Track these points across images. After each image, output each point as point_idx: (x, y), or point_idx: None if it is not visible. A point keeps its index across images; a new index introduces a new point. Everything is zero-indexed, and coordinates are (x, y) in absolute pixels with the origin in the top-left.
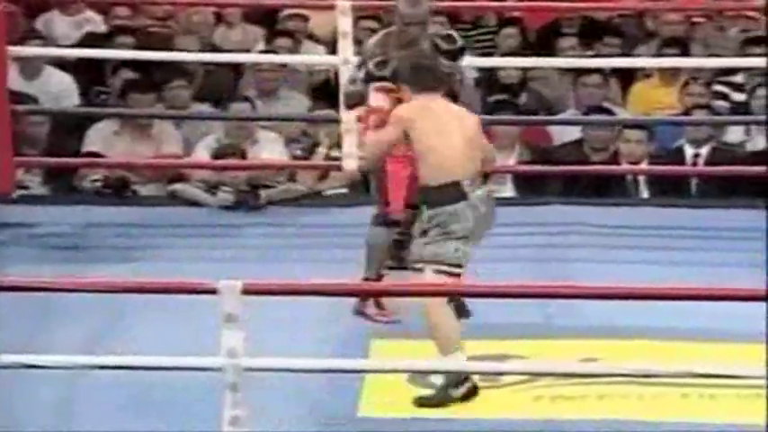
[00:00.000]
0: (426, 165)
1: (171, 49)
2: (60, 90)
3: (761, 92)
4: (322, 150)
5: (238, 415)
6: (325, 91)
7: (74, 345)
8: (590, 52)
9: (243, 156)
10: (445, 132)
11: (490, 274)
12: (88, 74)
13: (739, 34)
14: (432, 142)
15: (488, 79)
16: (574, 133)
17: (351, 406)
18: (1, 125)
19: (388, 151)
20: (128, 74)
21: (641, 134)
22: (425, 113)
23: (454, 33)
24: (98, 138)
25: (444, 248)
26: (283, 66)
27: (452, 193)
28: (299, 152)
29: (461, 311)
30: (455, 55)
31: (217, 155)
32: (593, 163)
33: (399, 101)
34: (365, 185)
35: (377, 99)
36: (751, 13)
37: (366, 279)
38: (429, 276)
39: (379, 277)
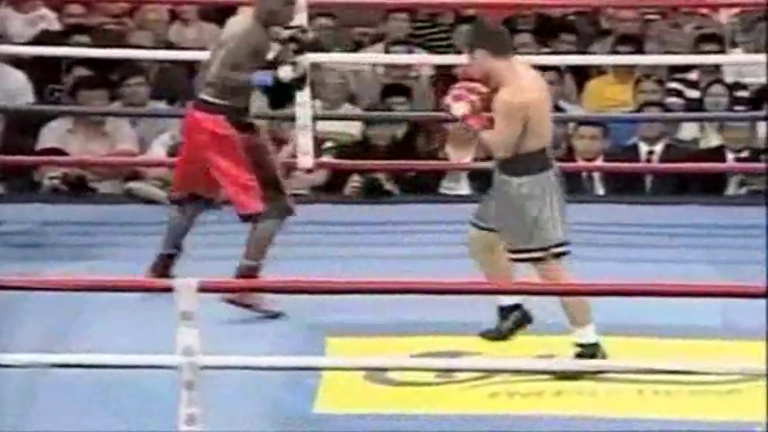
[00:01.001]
0: (532, 134)
1: (126, 47)
2: (15, 88)
3: (714, 89)
4: (286, 149)
5: (194, 413)
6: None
7: (31, 343)
8: (545, 49)
9: None
10: (546, 99)
11: (443, 271)
12: (43, 72)
13: (693, 31)
14: (541, 112)
15: (445, 76)
16: None
17: (307, 403)
18: None
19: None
20: (82, 71)
21: (596, 131)
22: (531, 87)
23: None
24: (52, 136)
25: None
26: None
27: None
28: None
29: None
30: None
31: (173, 152)
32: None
33: (478, 91)
34: (329, 187)
35: (459, 102)
36: (704, 11)
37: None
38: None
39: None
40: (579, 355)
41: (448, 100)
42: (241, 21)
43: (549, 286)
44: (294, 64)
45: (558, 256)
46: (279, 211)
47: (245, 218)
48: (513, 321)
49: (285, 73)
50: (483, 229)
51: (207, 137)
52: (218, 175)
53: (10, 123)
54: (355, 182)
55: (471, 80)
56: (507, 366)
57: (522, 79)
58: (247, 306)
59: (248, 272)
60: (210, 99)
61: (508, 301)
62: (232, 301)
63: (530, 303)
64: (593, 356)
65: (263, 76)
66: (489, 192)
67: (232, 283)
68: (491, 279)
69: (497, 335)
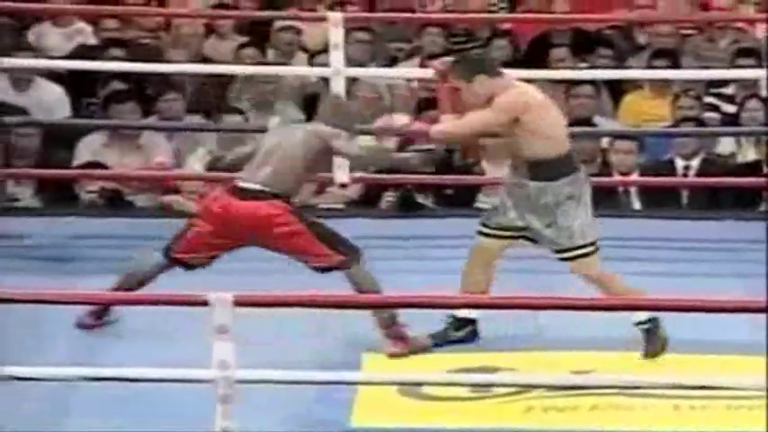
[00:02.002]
0: (545, 138)
1: (162, 61)
2: (52, 102)
3: (751, 104)
4: None
5: (230, 427)
6: (314, 103)
7: (64, 357)
8: (582, 64)
9: (238, 169)
10: (552, 106)
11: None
12: (79, 86)
13: (730, 46)
14: (551, 117)
15: None
16: None
17: (343, 417)
18: None
19: (478, 136)
20: (118, 85)
21: (632, 145)
22: (531, 94)
23: None
24: (88, 150)
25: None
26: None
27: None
28: None
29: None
30: None
31: (213, 167)
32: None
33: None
34: (364, 202)
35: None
36: (740, 25)
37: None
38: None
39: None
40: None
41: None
42: None
43: (587, 301)
44: None
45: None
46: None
47: (326, 269)
48: (464, 334)
49: None
50: (494, 237)
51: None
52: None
53: (46, 137)
54: (390, 196)
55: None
56: (542, 382)
57: (522, 86)
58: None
59: (389, 321)
60: None
61: (465, 314)
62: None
63: (562, 318)
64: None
65: None
66: (509, 202)
67: (267, 296)
68: (468, 290)
69: (440, 341)
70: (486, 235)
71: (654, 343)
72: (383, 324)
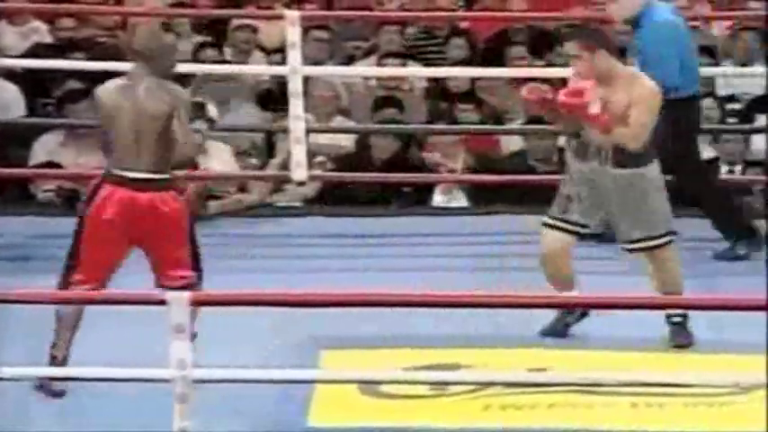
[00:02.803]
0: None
1: (119, 60)
2: (7, 101)
3: (706, 102)
4: (275, 162)
5: (187, 426)
6: (268, 100)
7: (22, 356)
8: (539, 62)
9: (195, 167)
10: None
11: (441, 283)
12: (34, 85)
13: None
14: None
15: (436, 89)
16: (521, 143)
17: (301, 416)
18: None
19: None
20: (73, 84)
21: None
22: None
23: None
24: (44, 149)
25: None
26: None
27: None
28: (254, 161)
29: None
30: None
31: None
32: (542, 172)
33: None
34: (320, 199)
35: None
36: (697, 23)
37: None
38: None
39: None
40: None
41: (562, 97)
42: None
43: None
44: None
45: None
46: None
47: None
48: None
49: None
50: (567, 231)
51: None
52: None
53: (2, 136)
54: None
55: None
56: (500, 379)
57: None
58: None
59: None
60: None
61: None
62: None
63: (521, 315)
64: None
65: None
66: (586, 193)
67: (224, 295)
68: (560, 287)
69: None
70: (557, 228)
71: (682, 336)
72: None
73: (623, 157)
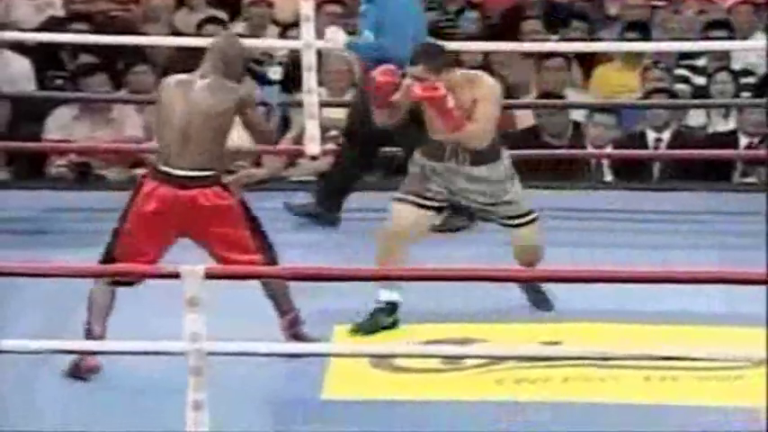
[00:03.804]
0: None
1: (132, 34)
2: (17, 74)
3: (721, 76)
4: (288, 136)
5: (201, 399)
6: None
7: (36, 330)
8: (553, 36)
9: None
10: None
11: (454, 258)
12: (46, 59)
13: (699, 17)
14: None
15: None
16: (534, 119)
17: (315, 389)
18: None
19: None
20: (87, 58)
21: (610, 119)
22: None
23: None
24: (58, 123)
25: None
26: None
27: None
28: None
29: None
30: None
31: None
32: (557, 147)
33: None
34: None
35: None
36: None
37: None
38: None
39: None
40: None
41: (418, 91)
42: None
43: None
44: None
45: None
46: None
47: None
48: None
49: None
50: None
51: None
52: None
53: (15, 110)
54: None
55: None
56: (513, 353)
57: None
58: None
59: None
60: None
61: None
62: None
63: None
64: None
65: None
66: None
67: (238, 269)
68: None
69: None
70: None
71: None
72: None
73: (479, 156)
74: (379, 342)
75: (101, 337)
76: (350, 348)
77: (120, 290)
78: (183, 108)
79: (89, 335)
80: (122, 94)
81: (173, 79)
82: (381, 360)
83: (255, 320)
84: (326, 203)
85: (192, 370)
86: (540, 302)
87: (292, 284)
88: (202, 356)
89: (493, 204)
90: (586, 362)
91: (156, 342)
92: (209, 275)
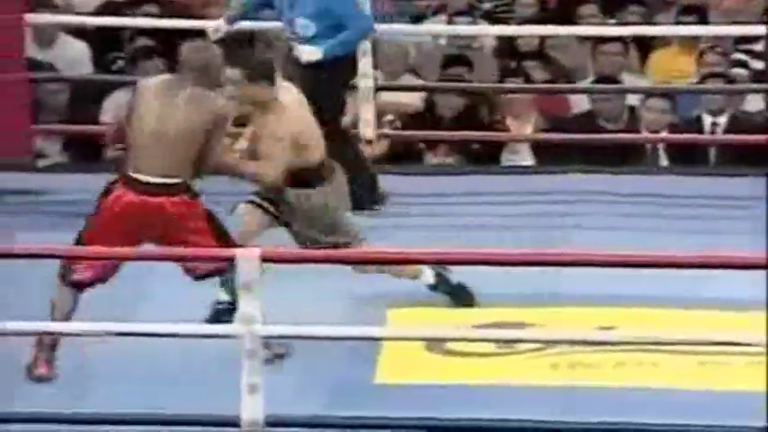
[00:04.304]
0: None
1: (192, 18)
2: (75, 58)
3: None
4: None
5: (256, 382)
6: None
7: (93, 312)
8: (610, 20)
9: None
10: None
11: (508, 241)
12: (104, 42)
13: (758, 0)
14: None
15: (507, 47)
16: (590, 103)
17: (368, 373)
18: (20, 92)
19: None
20: (146, 41)
21: (665, 103)
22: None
23: None
24: (115, 106)
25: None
26: None
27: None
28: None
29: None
30: None
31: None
32: (611, 131)
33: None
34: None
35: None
36: None
37: None
38: None
39: None
40: None
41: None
42: None
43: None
44: None
45: None
46: None
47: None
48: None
49: None
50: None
51: None
52: None
53: (73, 93)
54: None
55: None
56: (567, 337)
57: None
58: None
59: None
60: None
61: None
62: None
63: (587, 274)
64: None
65: None
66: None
67: (294, 253)
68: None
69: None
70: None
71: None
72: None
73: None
74: (433, 326)
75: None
76: (403, 332)
77: (175, 273)
78: (160, 116)
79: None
80: None
81: (152, 82)
82: (435, 344)
83: (308, 304)
84: (365, 204)
85: (247, 353)
86: (459, 296)
87: (347, 268)
88: (257, 340)
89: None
90: (640, 347)
91: (211, 325)
92: (265, 259)
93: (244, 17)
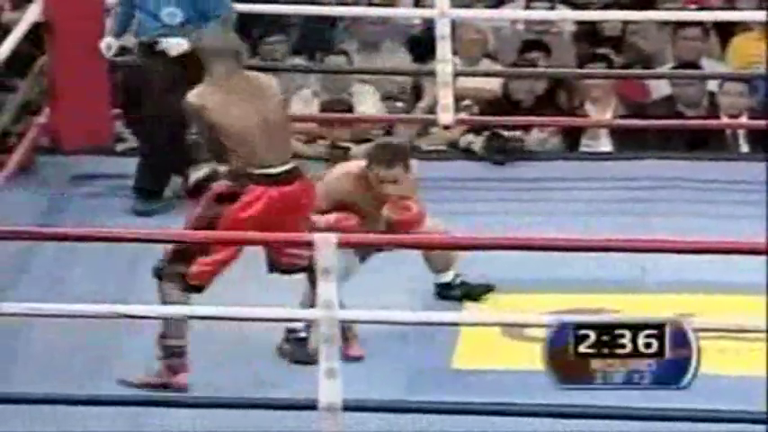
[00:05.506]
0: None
1: (268, 1)
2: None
3: None
4: (421, 105)
5: (334, 367)
6: (419, 44)
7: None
8: (691, 5)
9: (349, 110)
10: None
11: (586, 228)
12: None
13: None
14: None
15: (586, 33)
16: (670, 89)
17: (445, 358)
18: (98, 77)
19: None
20: None
21: (742, 87)
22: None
23: None
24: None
25: None
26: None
27: None
28: (399, 105)
29: None
30: None
31: (324, 108)
32: (691, 117)
33: None
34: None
35: None
36: None
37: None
38: None
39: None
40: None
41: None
42: None
43: (692, 244)
44: None
45: None
46: None
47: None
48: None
49: None
50: None
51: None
52: None
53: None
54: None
55: None
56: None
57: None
58: None
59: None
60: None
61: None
62: None
63: (668, 261)
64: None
65: None
66: None
67: (371, 237)
68: None
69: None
70: None
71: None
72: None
73: None
74: (510, 311)
75: (183, 352)
76: (480, 317)
77: (252, 257)
78: (250, 109)
79: (173, 353)
80: (254, 62)
81: (204, 90)
82: (512, 329)
83: (386, 289)
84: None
85: (325, 338)
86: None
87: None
88: (335, 324)
89: None
90: (722, 334)
91: (289, 309)
92: (343, 243)
93: (126, 27)
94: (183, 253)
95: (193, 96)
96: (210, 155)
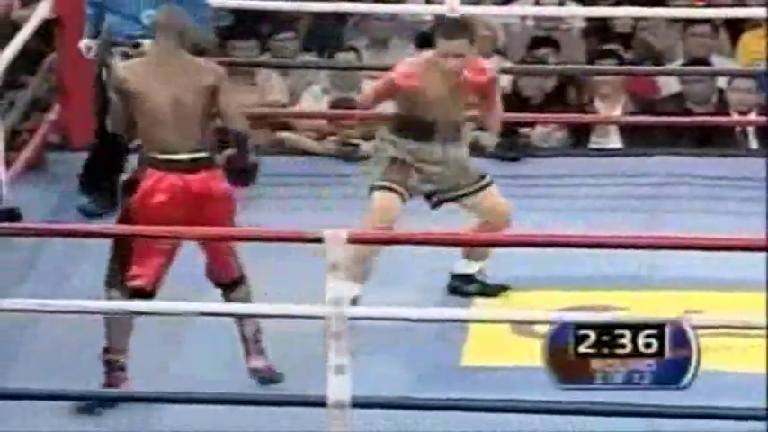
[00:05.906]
0: None
1: None
2: None
3: None
4: None
5: (343, 363)
6: (428, 41)
7: (179, 291)
8: (701, 2)
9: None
10: None
11: (595, 225)
12: None
13: None
14: None
15: (596, 29)
16: (679, 85)
17: (455, 355)
18: None
19: None
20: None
21: (752, 84)
22: None
23: None
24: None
25: None
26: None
27: None
28: None
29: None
30: None
31: (334, 105)
32: (700, 114)
33: None
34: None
35: None
36: None
37: None
38: None
39: None
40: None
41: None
42: None
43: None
44: None
45: None
46: None
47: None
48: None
49: None
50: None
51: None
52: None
53: None
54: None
55: None
56: (654, 321)
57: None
58: None
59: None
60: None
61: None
62: None
63: (675, 257)
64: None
65: None
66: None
67: (381, 234)
68: None
69: None
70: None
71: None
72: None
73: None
74: (519, 308)
75: (125, 366)
76: (489, 314)
77: (261, 253)
78: (167, 91)
79: (111, 366)
80: (265, 58)
81: (135, 63)
82: (522, 326)
83: (394, 286)
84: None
85: (333, 334)
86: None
87: (434, 250)
88: (344, 321)
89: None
90: (729, 331)
91: (297, 305)
92: (352, 240)
93: (99, 28)
94: (120, 257)
95: (121, 68)
96: (126, 136)
